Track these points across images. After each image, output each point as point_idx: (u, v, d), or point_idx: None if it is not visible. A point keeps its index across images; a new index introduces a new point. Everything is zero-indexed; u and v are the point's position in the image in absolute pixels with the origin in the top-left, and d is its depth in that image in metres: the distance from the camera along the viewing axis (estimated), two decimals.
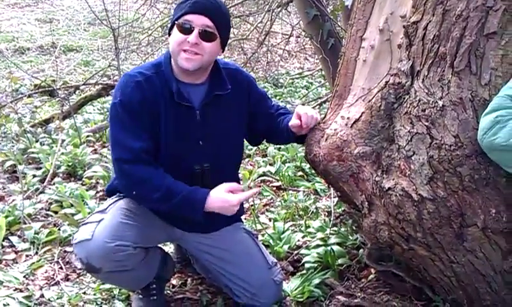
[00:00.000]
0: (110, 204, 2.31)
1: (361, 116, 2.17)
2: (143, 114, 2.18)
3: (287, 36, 7.49)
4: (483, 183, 1.85)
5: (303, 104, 5.79)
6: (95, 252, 2.15)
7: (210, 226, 2.42)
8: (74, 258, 2.93)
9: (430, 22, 1.94)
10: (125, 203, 2.31)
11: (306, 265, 2.75)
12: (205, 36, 2.16)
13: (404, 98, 2.03)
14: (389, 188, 2.04)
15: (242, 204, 2.61)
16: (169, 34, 2.24)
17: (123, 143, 2.18)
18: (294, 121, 2.33)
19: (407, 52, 2.03)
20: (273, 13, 6.02)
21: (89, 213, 3.42)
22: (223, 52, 2.33)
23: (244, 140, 2.58)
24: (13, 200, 3.65)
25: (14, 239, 3.13)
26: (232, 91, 2.33)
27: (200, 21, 2.15)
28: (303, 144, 2.47)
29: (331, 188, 3.23)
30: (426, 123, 1.92)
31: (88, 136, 5.07)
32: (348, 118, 2.23)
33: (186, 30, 2.15)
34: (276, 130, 2.45)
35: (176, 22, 2.18)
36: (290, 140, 2.52)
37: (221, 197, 2.18)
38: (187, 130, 2.25)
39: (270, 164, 4.43)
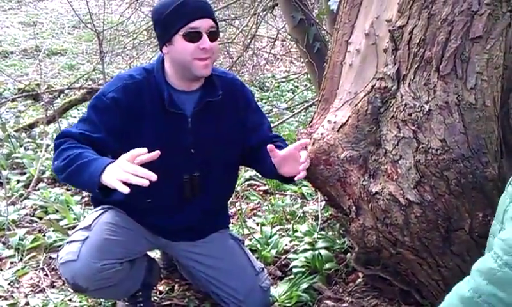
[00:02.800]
0: (94, 219, 2.25)
1: (347, 120, 2.17)
2: (114, 115, 2.14)
3: (273, 40, 7.50)
4: (470, 187, 1.86)
5: (288, 108, 5.80)
6: (81, 272, 2.11)
7: (196, 235, 2.41)
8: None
9: (416, 26, 1.94)
10: (109, 217, 2.27)
11: (294, 270, 2.74)
12: (212, 36, 2.14)
13: (390, 102, 2.03)
14: (376, 193, 2.04)
15: (227, 212, 2.59)
16: (164, 46, 2.17)
17: (73, 126, 2.18)
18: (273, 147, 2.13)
19: (393, 56, 2.03)
20: (259, 17, 6.03)
21: (74, 219, 3.39)
22: None
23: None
24: None
25: None
26: (224, 98, 2.28)
27: (205, 24, 2.12)
28: (287, 183, 2.39)
29: (318, 193, 3.23)
30: (412, 127, 1.92)
31: None
32: (335, 122, 2.22)
33: (195, 37, 2.11)
34: (264, 159, 2.24)
35: (179, 33, 2.11)
36: (272, 172, 2.26)
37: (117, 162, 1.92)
38: (177, 138, 2.22)
39: None
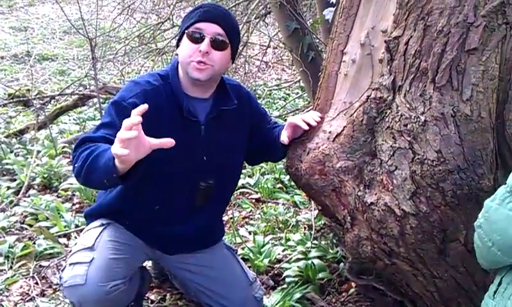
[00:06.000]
0: (96, 238, 2.19)
1: (343, 130, 2.16)
2: None
3: (265, 48, 7.51)
4: (465, 199, 1.86)
5: (280, 115, 5.80)
6: (89, 297, 2.06)
7: (195, 246, 2.39)
8: (50, 273, 2.87)
9: (411, 37, 1.95)
10: (110, 234, 2.22)
11: (287, 279, 2.74)
12: (217, 44, 2.11)
13: (385, 113, 2.02)
14: (371, 203, 2.03)
15: (222, 222, 2.57)
16: (177, 46, 2.19)
17: (93, 131, 2.09)
18: (283, 137, 2.26)
19: (388, 67, 2.03)
20: (251, 25, 6.03)
21: (65, 226, 3.37)
22: (232, 63, 2.28)
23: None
24: None
25: None
26: (236, 106, 2.29)
27: (211, 29, 2.10)
28: None
29: (311, 201, 3.22)
30: (408, 138, 1.92)
31: (63, 147, 5.01)
32: (330, 132, 2.22)
33: (197, 38, 2.09)
34: (273, 146, 2.37)
35: (186, 32, 2.12)
36: (284, 153, 2.40)
37: None
38: (191, 145, 2.19)
39: (249, 176, 4.41)
